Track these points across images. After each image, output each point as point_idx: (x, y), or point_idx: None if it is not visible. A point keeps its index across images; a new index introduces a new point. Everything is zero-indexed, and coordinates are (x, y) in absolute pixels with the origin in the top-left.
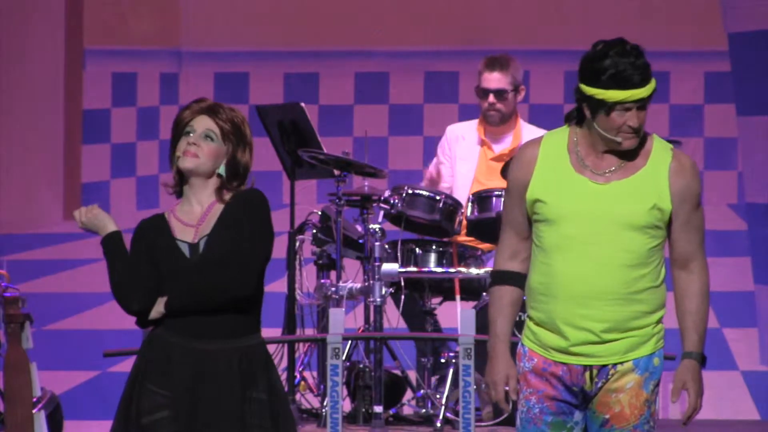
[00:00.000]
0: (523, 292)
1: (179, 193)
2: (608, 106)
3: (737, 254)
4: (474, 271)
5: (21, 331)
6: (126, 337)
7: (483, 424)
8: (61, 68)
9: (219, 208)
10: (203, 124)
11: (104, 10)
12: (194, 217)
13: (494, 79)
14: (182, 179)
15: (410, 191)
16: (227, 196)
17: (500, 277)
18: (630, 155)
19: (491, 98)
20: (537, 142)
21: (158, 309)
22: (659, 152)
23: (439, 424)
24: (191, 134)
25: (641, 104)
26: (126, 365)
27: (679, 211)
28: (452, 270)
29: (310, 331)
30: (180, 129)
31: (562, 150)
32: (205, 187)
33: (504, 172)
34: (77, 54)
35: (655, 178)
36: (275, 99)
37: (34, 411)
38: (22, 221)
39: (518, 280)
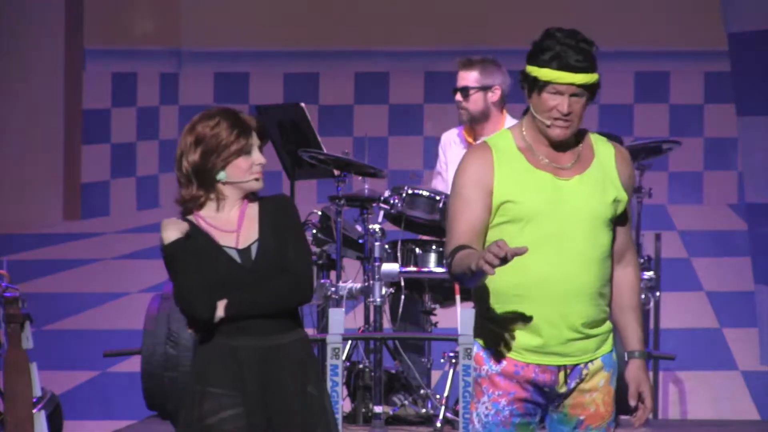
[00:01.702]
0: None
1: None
2: (540, 85)
3: (737, 254)
4: None
5: (21, 331)
6: (125, 337)
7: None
8: (61, 68)
9: (253, 210)
10: (256, 141)
11: (104, 11)
12: (229, 222)
13: (460, 78)
14: (206, 185)
15: (410, 191)
16: (251, 196)
17: (460, 248)
18: (580, 148)
19: (457, 96)
20: (484, 147)
21: (218, 314)
22: (600, 144)
23: (439, 424)
24: (251, 154)
25: (575, 92)
26: (126, 365)
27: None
28: None
29: (309, 331)
30: (239, 151)
31: (513, 151)
32: (241, 194)
33: None
34: (77, 54)
35: (607, 169)
36: (275, 99)
37: (34, 411)
38: (22, 221)
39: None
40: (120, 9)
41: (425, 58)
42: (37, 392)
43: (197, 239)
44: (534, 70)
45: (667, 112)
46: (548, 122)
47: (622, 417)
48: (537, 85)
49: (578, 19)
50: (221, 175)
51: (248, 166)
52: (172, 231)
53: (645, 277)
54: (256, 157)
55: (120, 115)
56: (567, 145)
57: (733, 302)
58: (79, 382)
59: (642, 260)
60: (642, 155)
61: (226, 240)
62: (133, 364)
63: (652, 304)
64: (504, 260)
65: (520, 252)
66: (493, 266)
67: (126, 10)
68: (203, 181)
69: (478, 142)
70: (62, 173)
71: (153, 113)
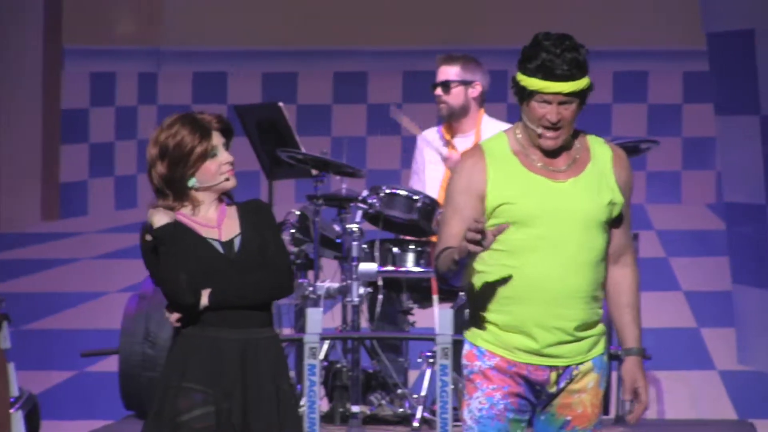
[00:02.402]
0: None
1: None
2: (528, 94)
3: (715, 254)
4: None
5: None
6: (103, 337)
7: (461, 423)
8: (40, 68)
9: (231, 210)
10: (219, 140)
11: (83, 10)
12: (211, 219)
13: (441, 72)
14: (181, 195)
15: (388, 191)
16: (226, 200)
17: (446, 249)
18: (575, 151)
19: (437, 91)
20: (479, 150)
21: (203, 302)
22: (597, 146)
23: (416, 424)
24: (217, 155)
25: (563, 100)
26: (103, 365)
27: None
28: (430, 269)
29: (287, 331)
30: (202, 156)
31: (508, 154)
32: (215, 195)
33: None
34: (56, 53)
35: (603, 172)
36: (253, 99)
37: (11, 411)
38: (0, 221)
39: None
40: (99, 8)
41: (403, 58)
42: (14, 392)
43: (181, 230)
44: (522, 79)
45: (646, 112)
46: (539, 131)
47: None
48: (525, 94)
49: (556, 18)
50: (192, 182)
51: (216, 168)
52: (162, 216)
53: None
54: (223, 156)
55: (98, 114)
56: (562, 148)
57: (710, 302)
58: (57, 382)
59: None
60: None
61: (207, 233)
62: (110, 364)
63: None
64: (482, 236)
65: (501, 229)
66: (475, 242)
67: (105, 10)
68: (176, 190)
69: (455, 138)
70: (41, 173)
71: (131, 113)
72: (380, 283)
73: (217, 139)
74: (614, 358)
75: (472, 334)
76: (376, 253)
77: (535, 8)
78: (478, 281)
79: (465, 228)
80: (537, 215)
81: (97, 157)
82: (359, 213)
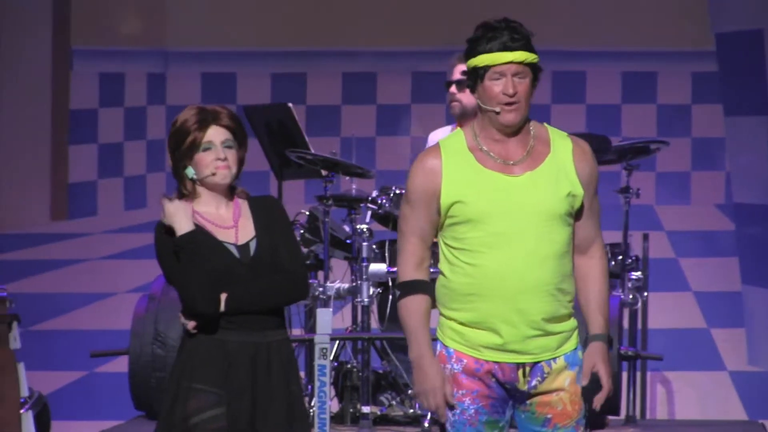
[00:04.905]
0: (432, 299)
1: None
2: (481, 74)
3: (725, 254)
4: None
5: (9, 331)
6: (113, 338)
7: None
8: (49, 68)
9: (244, 206)
10: (218, 135)
11: (91, 11)
12: (224, 218)
13: (457, 70)
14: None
15: (398, 191)
16: (238, 191)
17: (411, 288)
18: (533, 144)
19: (452, 88)
20: (435, 149)
21: (220, 309)
22: (558, 139)
23: (426, 424)
24: (212, 149)
25: (517, 72)
26: (113, 365)
27: (585, 196)
28: (437, 270)
29: (297, 332)
30: (192, 145)
31: (464, 151)
32: (224, 189)
33: None
34: (64, 54)
35: (562, 164)
36: (262, 99)
37: (21, 411)
38: (9, 221)
39: (428, 288)
40: (107, 9)
41: (412, 58)
42: (24, 392)
43: (200, 236)
44: (473, 62)
45: (655, 113)
46: (497, 109)
47: (611, 418)
48: (478, 75)
49: (565, 19)
50: (189, 172)
51: (209, 161)
52: (185, 221)
53: (633, 277)
54: (217, 152)
55: (107, 115)
56: (519, 142)
57: (720, 302)
58: (67, 382)
59: (630, 260)
60: (629, 155)
61: (224, 235)
62: (120, 365)
63: (639, 304)
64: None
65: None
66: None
67: (113, 11)
68: (179, 179)
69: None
70: (49, 173)
71: (140, 113)
72: (390, 283)
73: (215, 134)
74: (623, 358)
75: (441, 334)
76: (386, 254)
77: (542, 8)
78: (443, 281)
79: (423, 229)
80: (490, 212)
81: (106, 158)
82: (369, 213)
